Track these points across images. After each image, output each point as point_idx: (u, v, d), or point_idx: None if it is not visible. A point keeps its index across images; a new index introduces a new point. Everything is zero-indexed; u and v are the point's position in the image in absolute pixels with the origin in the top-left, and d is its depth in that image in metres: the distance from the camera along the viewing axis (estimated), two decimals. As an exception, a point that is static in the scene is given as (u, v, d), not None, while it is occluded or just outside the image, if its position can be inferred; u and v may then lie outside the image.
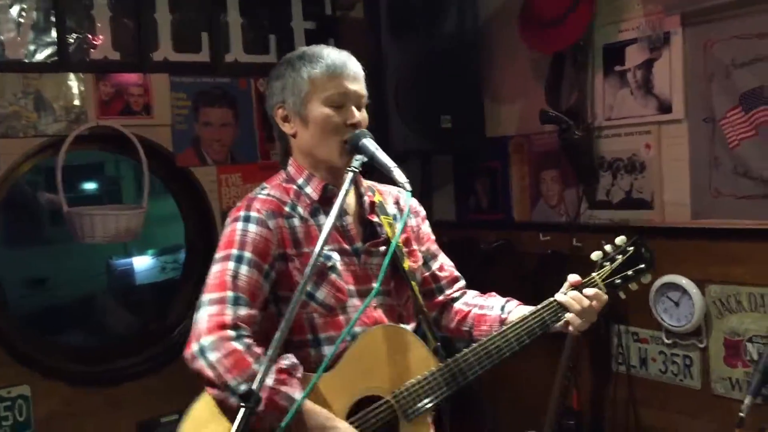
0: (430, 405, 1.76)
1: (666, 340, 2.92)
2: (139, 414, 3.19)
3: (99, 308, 6.97)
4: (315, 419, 1.63)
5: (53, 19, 3.01)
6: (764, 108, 2.60)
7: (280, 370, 1.63)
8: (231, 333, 1.63)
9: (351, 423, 1.70)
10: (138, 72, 3.23)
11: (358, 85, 1.81)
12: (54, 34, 3.02)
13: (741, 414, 1.99)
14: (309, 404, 1.64)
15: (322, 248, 1.55)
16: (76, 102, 3.08)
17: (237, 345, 1.62)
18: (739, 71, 2.66)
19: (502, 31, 3.45)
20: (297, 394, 1.61)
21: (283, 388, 1.60)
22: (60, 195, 3.01)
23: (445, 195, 3.84)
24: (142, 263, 8.05)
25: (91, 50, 3.12)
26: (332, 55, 1.81)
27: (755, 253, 2.64)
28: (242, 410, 1.40)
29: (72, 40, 3.06)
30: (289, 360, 1.66)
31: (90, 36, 3.11)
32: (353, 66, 1.81)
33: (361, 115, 1.81)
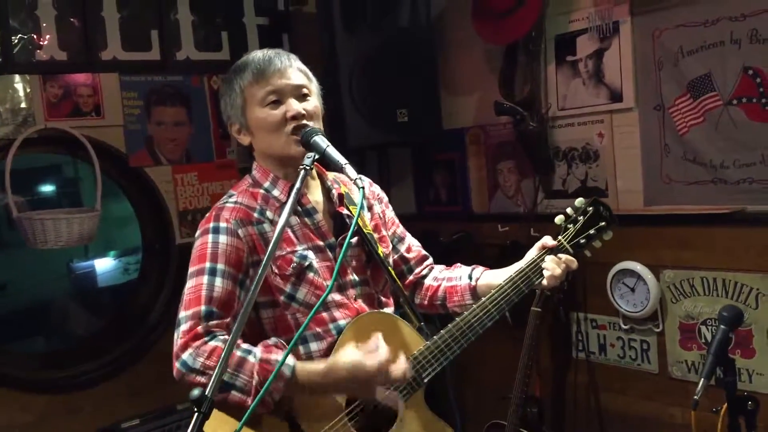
0: (423, 383, 1.82)
1: (623, 326, 2.97)
2: (99, 420, 3.13)
3: (60, 312, 6.83)
4: (312, 372, 1.67)
5: (-4, 20, 2.93)
6: (712, 95, 2.65)
7: (266, 345, 1.69)
8: (205, 338, 1.67)
9: (351, 410, 1.75)
10: (86, 72, 3.16)
11: (293, 77, 1.81)
12: (-3, 35, 2.94)
13: (695, 396, 2.02)
14: (300, 363, 1.68)
15: (270, 256, 1.53)
16: (23, 104, 3.01)
17: (215, 343, 1.65)
18: (687, 59, 2.70)
19: (456, 23, 3.45)
20: (288, 359, 1.65)
21: (272, 356, 1.65)
22: (9, 200, 2.93)
23: (404, 188, 3.84)
24: (104, 265, 7.91)
25: (37, 51, 3.04)
26: (257, 58, 1.82)
27: (707, 237, 2.69)
28: (195, 416, 1.38)
29: (16, 41, 2.98)
30: (273, 339, 1.73)
31: (35, 36, 3.03)
32: (280, 61, 1.81)
33: (305, 104, 1.80)
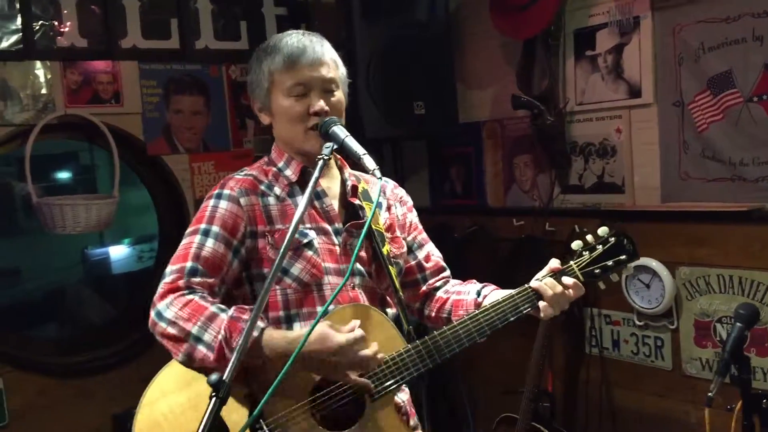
0: (394, 386, 1.73)
1: (637, 322, 2.96)
2: (114, 405, 3.17)
3: (74, 299, 6.89)
4: (276, 341, 1.63)
5: (17, 6, 2.96)
6: (732, 92, 2.63)
7: (240, 308, 1.65)
8: (184, 291, 1.66)
9: (315, 399, 1.69)
10: (106, 59, 3.19)
11: (323, 70, 1.79)
12: (19, 21, 2.96)
13: (710, 394, 2.02)
14: (270, 328, 1.65)
15: (296, 227, 1.54)
16: (44, 90, 3.03)
17: (191, 296, 1.65)
18: (708, 55, 2.68)
19: (474, 16, 3.45)
20: (259, 321, 1.61)
21: (244, 316, 1.63)
22: (29, 185, 2.96)
23: (418, 181, 3.84)
24: (119, 252, 7.96)
25: (58, 37, 3.06)
26: (291, 43, 1.79)
27: (724, 234, 2.68)
28: (212, 400, 1.39)
29: (37, 28, 3.01)
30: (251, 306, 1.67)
31: (56, 23, 3.06)
32: (314, 51, 1.79)
33: (330, 100, 1.79)
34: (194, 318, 1.62)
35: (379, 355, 1.69)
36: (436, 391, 3.57)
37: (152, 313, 1.67)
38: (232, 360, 1.43)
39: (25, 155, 2.98)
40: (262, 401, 1.42)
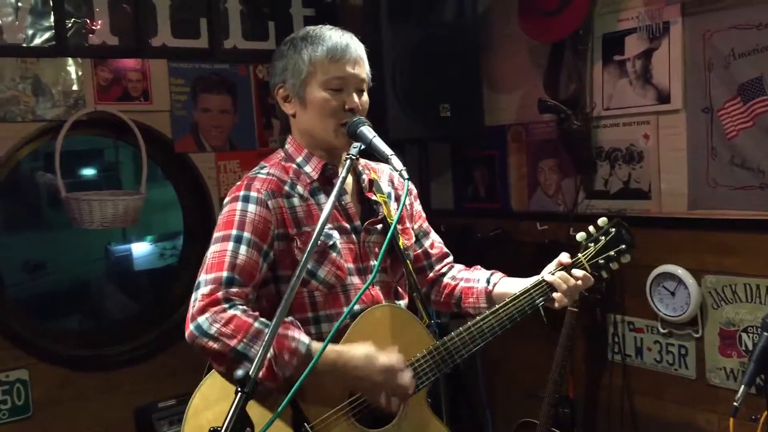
0: (427, 382, 1.80)
1: (661, 330, 2.94)
2: (137, 398, 3.21)
3: (97, 294, 6.97)
4: (326, 356, 1.65)
5: (51, 3, 3.00)
6: (763, 99, 2.60)
7: (283, 322, 1.66)
8: (224, 305, 1.66)
9: (353, 401, 1.74)
10: (136, 57, 3.23)
11: (359, 69, 1.81)
12: (52, 18, 3.01)
13: (735, 404, 2.00)
14: (317, 344, 1.68)
15: (322, 228, 1.56)
16: (75, 87, 3.08)
17: (233, 311, 1.65)
18: (738, 62, 2.65)
19: (501, 19, 3.44)
20: (303, 336, 1.67)
21: (290, 332, 1.66)
22: (58, 180, 3.01)
23: (442, 183, 3.84)
24: (141, 249, 8.03)
25: (90, 35, 3.11)
26: (334, 37, 1.80)
27: (751, 243, 2.65)
28: (238, 396, 1.40)
29: (70, 25, 3.05)
30: (290, 318, 1.72)
31: (88, 21, 3.10)
32: (355, 49, 1.81)
33: (361, 99, 1.81)
34: (239, 335, 1.63)
35: (409, 374, 1.75)
36: (457, 392, 3.56)
37: (191, 326, 1.66)
38: (258, 355, 1.44)
39: (55, 150, 3.02)
40: (291, 392, 1.42)
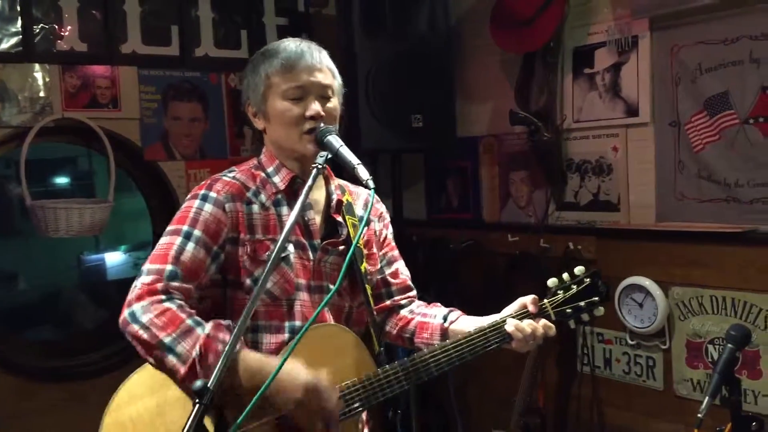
0: (360, 409, 1.74)
1: (630, 341, 2.95)
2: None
3: (69, 303, 6.87)
4: (250, 365, 1.61)
5: (18, 8, 2.97)
6: (729, 113, 2.64)
7: (217, 324, 1.64)
8: (162, 296, 1.65)
9: (281, 417, 1.67)
10: (106, 64, 3.19)
11: (321, 75, 1.79)
12: (19, 23, 2.97)
13: (699, 415, 2.00)
14: (247, 351, 1.64)
15: (285, 238, 1.54)
16: (42, 93, 3.04)
17: (169, 304, 1.64)
18: (705, 76, 2.69)
19: (474, 31, 3.46)
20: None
21: (220, 335, 1.62)
22: (23, 187, 2.96)
23: (415, 194, 3.84)
24: (114, 259, 7.95)
25: (58, 41, 3.07)
26: (289, 48, 1.79)
27: (718, 256, 2.67)
28: (196, 407, 1.38)
29: (38, 31, 3.01)
30: (227, 321, 1.67)
31: (57, 26, 3.06)
32: (311, 57, 1.79)
33: (325, 106, 1.79)
34: (169, 328, 1.61)
35: (347, 380, 1.71)
36: (430, 404, 3.55)
37: (125, 312, 1.64)
38: (218, 367, 1.42)
39: (21, 157, 2.98)
40: (238, 421, 1.39)
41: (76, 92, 3.11)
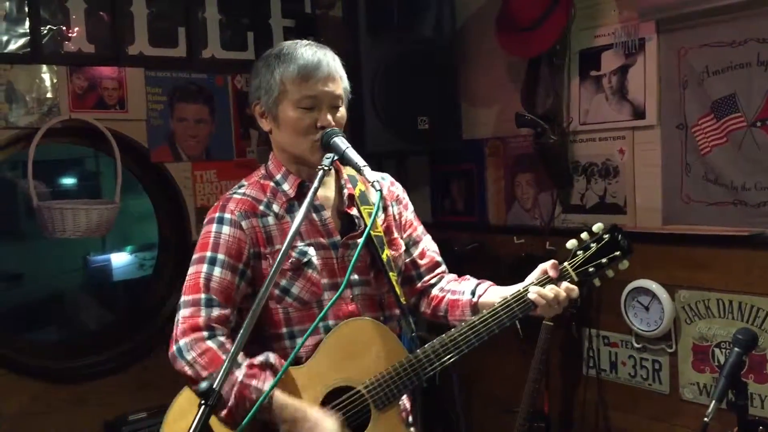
0: (399, 394, 1.79)
1: (636, 345, 2.94)
2: (107, 411, 3.15)
3: (75, 305, 6.89)
4: (286, 411, 1.69)
5: (27, 9, 2.97)
6: (736, 116, 2.63)
7: (251, 365, 1.71)
8: (204, 333, 1.73)
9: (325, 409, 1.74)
10: (113, 66, 3.20)
11: (334, 85, 1.80)
12: (27, 25, 2.98)
13: (706, 419, 2.00)
14: (280, 396, 1.70)
15: (288, 246, 1.56)
16: (49, 94, 3.05)
17: (210, 344, 1.72)
18: (712, 79, 2.68)
19: (480, 34, 3.46)
20: (266, 384, 1.68)
21: (253, 382, 1.69)
22: (30, 188, 2.97)
23: (420, 196, 3.84)
24: (120, 260, 7.97)
25: (65, 42, 3.08)
26: (306, 55, 1.79)
27: (724, 259, 2.66)
28: (202, 408, 1.39)
29: (45, 32, 3.02)
30: (264, 356, 1.74)
31: (64, 28, 3.07)
32: (327, 66, 1.79)
33: (335, 116, 1.80)
34: (210, 368, 1.69)
35: (377, 372, 1.77)
36: (433, 409, 3.54)
37: (173, 347, 1.74)
38: (223, 368, 1.44)
39: (28, 158, 2.98)
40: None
41: (83, 93, 3.12)
